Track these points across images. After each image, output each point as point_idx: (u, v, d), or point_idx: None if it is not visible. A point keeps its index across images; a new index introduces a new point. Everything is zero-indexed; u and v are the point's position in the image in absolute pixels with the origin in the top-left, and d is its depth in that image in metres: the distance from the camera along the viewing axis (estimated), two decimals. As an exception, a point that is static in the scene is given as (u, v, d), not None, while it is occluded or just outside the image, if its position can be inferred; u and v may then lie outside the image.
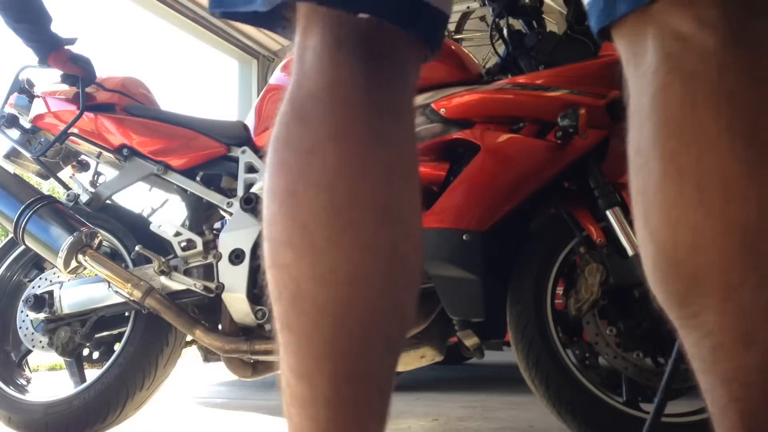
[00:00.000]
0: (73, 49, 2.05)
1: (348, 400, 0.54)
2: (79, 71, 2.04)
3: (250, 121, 2.03)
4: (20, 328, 2.08)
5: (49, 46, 2.00)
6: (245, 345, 1.77)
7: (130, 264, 1.97)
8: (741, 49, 0.49)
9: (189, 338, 1.98)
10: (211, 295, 1.81)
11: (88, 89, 2.07)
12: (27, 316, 2.05)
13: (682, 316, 0.54)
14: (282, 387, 0.57)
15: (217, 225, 2.09)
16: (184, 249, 1.89)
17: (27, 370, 2.19)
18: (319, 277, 0.53)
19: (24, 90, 2.16)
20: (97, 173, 2.19)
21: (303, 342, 0.54)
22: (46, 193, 2.05)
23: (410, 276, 0.57)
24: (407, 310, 0.57)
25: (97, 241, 1.87)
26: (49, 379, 2.86)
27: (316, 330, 0.53)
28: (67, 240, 1.80)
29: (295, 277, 0.53)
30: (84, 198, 2.06)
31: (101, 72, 2.19)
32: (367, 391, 0.55)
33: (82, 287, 1.98)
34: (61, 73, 2.06)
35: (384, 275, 0.54)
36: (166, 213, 2.23)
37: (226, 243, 1.82)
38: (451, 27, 4.36)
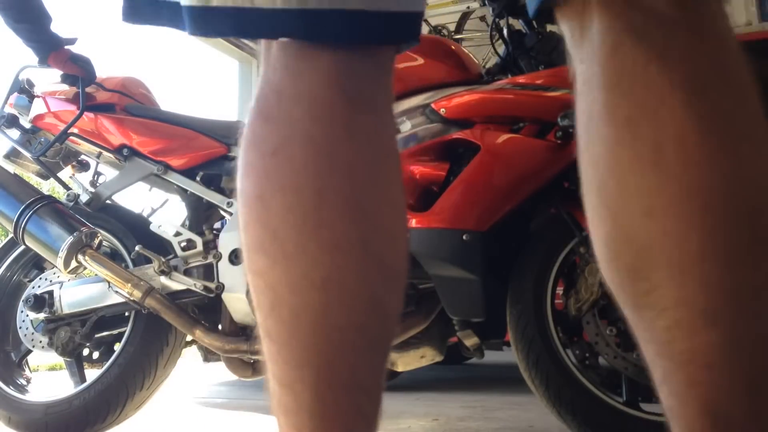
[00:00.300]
0: (73, 49, 2.05)
1: (333, 407, 0.52)
2: (79, 71, 2.04)
3: (250, 121, 2.03)
4: (20, 328, 2.08)
5: (49, 46, 2.00)
6: (245, 345, 1.77)
7: (130, 264, 1.97)
8: (690, 10, 0.48)
9: (189, 338, 1.98)
10: (211, 295, 1.82)
11: (88, 89, 2.07)
12: (27, 316, 2.05)
13: (635, 293, 0.50)
14: (270, 394, 0.55)
15: (217, 225, 2.09)
16: (184, 249, 1.89)
17: (27, 370, 2.19)
18: (292, 284, 0.51)
19: (24, 90, 2.16)
20: (97, 173, 2.19)
21: (283, 350, 0.53)
22: (46, 193, 2.05)
23: (389, 272, 0.54)
24: (390, 308, 0.55)
25: (97, 241, 1.87)
26: (49, 379, 2.86)
27: (293, 337, 0.52)
28: (67, 240, 1.80)
29: (270, 284, 0.52)
30: (84, 198, 2.06)
31: (101, 72, 2.19)
32: (352, 396, 0.53)
33: (82, 287, 1.98)
34: (61, 73, 2.06)
35: (358, 275, 0.52)
36: (166, 213, 2.23)
37: (226, 243, 1.82)
38: (451, 27, 4.36)
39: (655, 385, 0.51)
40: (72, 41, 2.05)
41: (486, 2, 1.96)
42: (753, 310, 0.48)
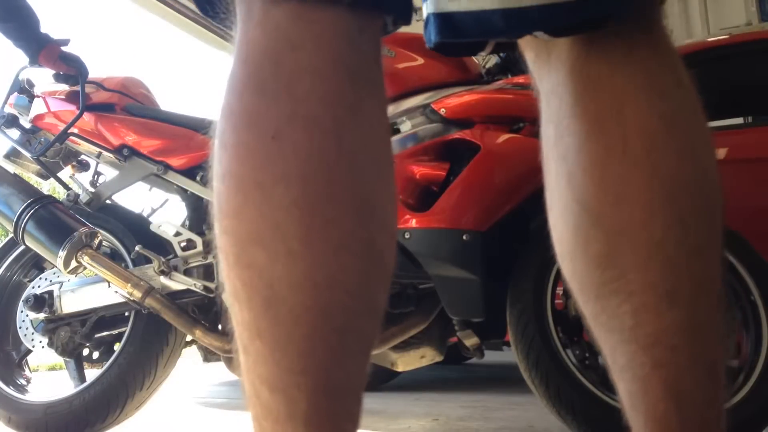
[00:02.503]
0: (66, 49, 2.05)
1: (328, 414, 0.49)
2: (69, 70, 2.04)
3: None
4: (20, 328, 2.08)
5: (38, 46, 2.00)
6: (245, 345, 1.77)
7: (130, 264, 1.97)
8: (644, 30, 0.54)
9: (189, 338, 1.98)
10: (211, 295, 1.81)
11: (88, 89, 2.07)
12: (27, 316, 2.05)
13: (602, 281, 0.52)
14: (248, 396, 0.51)
15: (217, 225, 2.09)
16: (184, 249, 1.89)
17: (27, 370, 2.19)
18: (294, 283, 0.47)
19: (24, 90, 2.16)
20: (97, 173, 2.19)
21: (277, 353, 0.48)
22: (46, 193, 2.05)
23: (385, 271, 0.51)
24: (381, 309, 0.52)
25: (97, 241, 1.87)
26: (49, 379, 2.86)
27: (290, 340, 0.48)
28: (67, 240, 1.80)
29: (268, 280, 0.47)
30: (84, 198, 2.06)
31: (101, 72, 2.18)
32: (346, 401, 0.50)
33: (82, 287, 1.98)
34: (53, 72, 2.06)
35: (361, 275, 0.49)
36: (166, 213, 2.23)
37: (226, 243, 1.82)
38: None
39: (614, 375, 0.53)
40: (65, 42, 2.05)
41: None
42: (712, 293, 0.51)
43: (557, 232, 0.57)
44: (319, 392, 0.48)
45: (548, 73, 0.58)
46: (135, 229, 2.03)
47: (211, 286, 1.81)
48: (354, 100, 0.48)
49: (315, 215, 0.47)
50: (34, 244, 1.85)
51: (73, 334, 1.97)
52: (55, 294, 1.98)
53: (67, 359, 2.02)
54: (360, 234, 0.48)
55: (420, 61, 1.83)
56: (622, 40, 0.54)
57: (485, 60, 1.93)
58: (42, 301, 1.98)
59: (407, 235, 1.63)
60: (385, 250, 0.51)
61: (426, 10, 0.56)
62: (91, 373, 2.00)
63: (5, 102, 2.17)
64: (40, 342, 2.04)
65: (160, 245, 1.94)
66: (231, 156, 0.49)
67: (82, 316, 1.98)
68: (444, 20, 0.54)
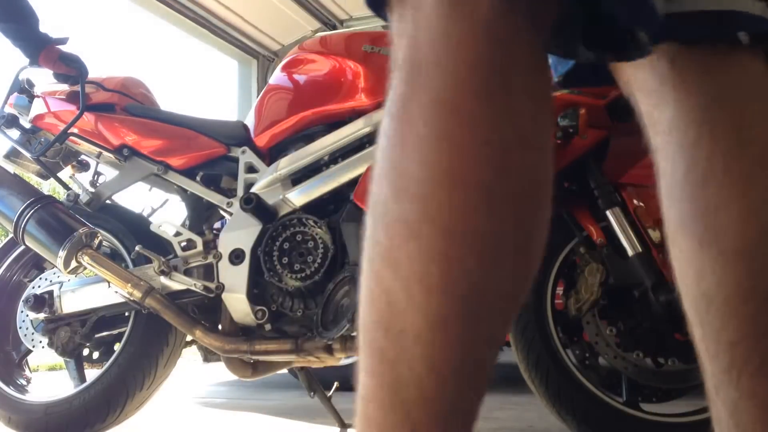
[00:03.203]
0: (65, 48, 2.04)
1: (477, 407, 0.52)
2: (69, 70, 2.03)
3: (250, 121, 2.03)
4: (20, 328, 2.08)
5: (38, 46, 2.00)
6: (245, 345, 1.77)
7: (130, 264, 1.96)
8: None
9: (189, 338, 1.98)
10: (211, 295, 1.81)
11: (88, 89, 2.07)
12: (27, 316, 2.05)
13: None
14: (397, 384, 0.47)
15: (217, 225, 2.09)
16: (184, 249, 1.89)
17: (27, 370, 2.19)
18: (502, 293, 0.48)
19: (24, 90, 2.16)
20: (97, 173, 2.18)
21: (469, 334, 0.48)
22: (46, 193, 2.05)
23: None
24: None
25: (97, 241, 1.87)
26: (49, 379, 2.86)
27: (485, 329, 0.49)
28: (67, 240, 1.80)
29: (472, 283, 0.47)
30: (84, 198, 2.06)
31: (100, 72, 2.18)
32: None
33: (82, 287, 1.98)
34: (53, 72, 2.06)
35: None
36: (166, 213, 2.23)
37: (226, 243, 1.82)
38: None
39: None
40: (63, 41, 2.05)
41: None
42: None
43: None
44: (482, 392, 0.50)
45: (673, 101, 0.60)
46: (135, 229, 2.03)
47: (211, 286, 1.81)
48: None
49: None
50: (34, 244, 1.85)
51: (73, 334, 1.97)
52: (55, 294, 1.98)
53: (67, 359, 2.02)
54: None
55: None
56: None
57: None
58: (42, 301, 1.98)
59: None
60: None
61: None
62: (91, 373, 2.00)
63: (5, 102, 2.17)
64: (40, 342, 2.04)
65: (160, 245, 1.94)
66: (456, 155, 0.46)
67: (82, 316, 1.98)
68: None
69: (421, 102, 0.47)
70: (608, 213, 1.61)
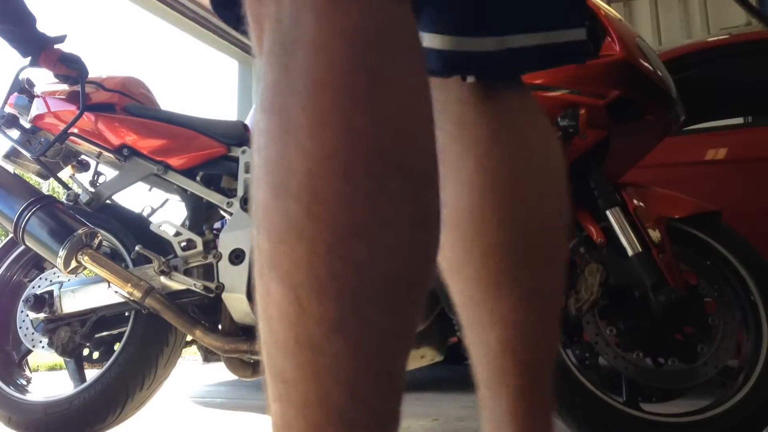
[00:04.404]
0: (63, 47, 2.04)
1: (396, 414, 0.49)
2: (70, 71, 2.03)
3: (250, 121, 2.03)
4: (20, 328, 2.08)
5: (35, 47, 1.99)
6: (245, 345, 1.77)
7: (130, 264, 1.96)
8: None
9: (189, 338, 1.98)
10: (211, 295, 1.81)
11: (88, 89, 2.07)
12: (27, 316, 2.05)
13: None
14: (309, 401, 0.43)
15: (217, 225, 2.09)
16: (184, 249, 1.89)
17: (27, 370, 2.19)
18: (392, 278, 0.45)
19: (24, 90, 2.16)
20: (97, 173, 2.19)
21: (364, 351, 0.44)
22: (46, 193, 2.05)
23: None
24: None
25: (97, 241, 1.87)
26: (49, 379, 2.86)
27: (382, 338, 0.45)
28: (67, 240, 1.80)
29: (364, 275, 0.43)
30: (84, 198, 2.06)
31: (100, 72, 2.18)
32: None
33: (82, 287, 1.98)
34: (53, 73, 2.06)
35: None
36: (166, 213, 2.23)
37: (226, 243, 1.82)
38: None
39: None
40: (60, 39, 2.04)
41: None
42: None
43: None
44: (399, 394, 0.45)
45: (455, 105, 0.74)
46: (135, 229, 2.03)
47: (211, 286, 1.81)
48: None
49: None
50: (34, 244, 1.85)
51: (73, 334, 1.97)
52: (55, 294, 1.98)
53: (67, 359, 2.02)
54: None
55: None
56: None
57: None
58: (42, 301, 1.98)
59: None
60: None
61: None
62: (91, 373, 2.00)
63: (5, 102, 2.17)
64: (40, 342, 2.04)
65: (160, 245, 1.94)
66: (340, 140, 0.42)
67: (82, 316, 1.98)
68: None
69: (295, 88, 0.42)
70: (608, 213, 1.61)
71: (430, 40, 0.70)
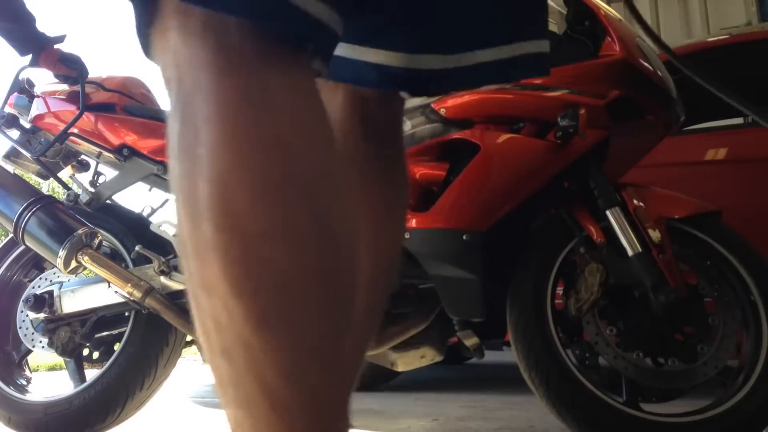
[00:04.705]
0: (63, 47, 2.04)
1: (343, 396, 0.51)
2: (70, 71, 2.03)
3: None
4: (20, 328, 2.08)
5: (34, 46, 1.99)
6: (245, 345, 1.77)
7: (130, 264, 1.97)
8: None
9: (189, 338, 1.98)
10: (211, 295, 1.81)
11: (88, 89, 2.07)
12: (27, 316, 2.05)
13: None
14: (245, 397, 0.48)
15: (217, 225, 2.09)
16: (184, 249, 1.89)
17: (27, 370, 2.19)
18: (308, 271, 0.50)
19: (24, 90, 2.16)
20: (97, 173, 2.19)
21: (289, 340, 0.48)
22: (46, 193, 2.05)
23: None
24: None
25: (97, 241, 1.87)
26: (49, 379, 2.86)
27: (306, 324, 0.50)
28: (67, 240, 1.80)
29: (281, 272, 0.49)
30: (84, 198, 2.06)
31: (100, 72, 2.18)
32: (352, 379, 0.54)
33: (82, 287, 1.98)
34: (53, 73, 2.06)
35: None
36: (166, 213, 2.23)
37: (226, 243, 1.81)
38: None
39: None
40: (60, 39, 2.04)
41: None
42: None
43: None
44: (335, 368, 0.48)
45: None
46: (135, 229, 2.03)
47: (211, 286, 1.81)
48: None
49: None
50: (34, 244, 1.85)
51: (73, 334, 1.97)
52: (55, 294, 1.98)
53: (67, 359, 2.02)
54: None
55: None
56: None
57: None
58: (42, 301, 1.98)
59: (407, 235, 1.63)
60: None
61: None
62: (91, 373, 2.00)
63: (5, 102, 2.17)
64: (40, 342, 2.04)
65: (160, 245, 1.94)
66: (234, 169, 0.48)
67: (82, 316, 1.98)
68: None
69: (195, 126, 0.51)
70: (608, 213, 1.61)
71: (374, 55, 0.70)
